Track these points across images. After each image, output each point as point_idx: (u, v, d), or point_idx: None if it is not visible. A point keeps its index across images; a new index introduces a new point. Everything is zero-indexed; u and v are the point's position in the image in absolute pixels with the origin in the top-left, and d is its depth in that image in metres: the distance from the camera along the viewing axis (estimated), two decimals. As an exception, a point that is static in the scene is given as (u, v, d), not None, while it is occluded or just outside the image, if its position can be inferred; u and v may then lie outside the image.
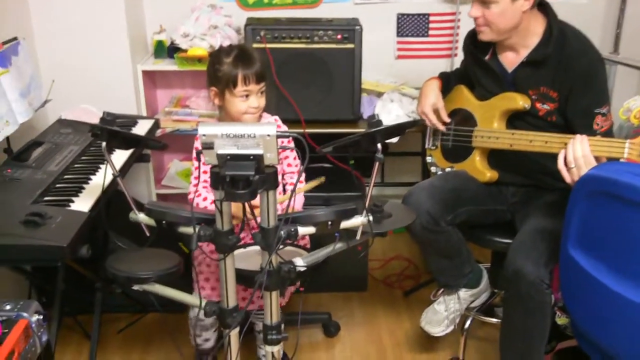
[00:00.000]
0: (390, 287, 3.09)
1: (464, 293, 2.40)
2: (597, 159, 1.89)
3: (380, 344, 2.68)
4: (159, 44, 3.15)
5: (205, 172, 2.10)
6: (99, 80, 2.95)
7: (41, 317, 1.79)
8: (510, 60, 2.21)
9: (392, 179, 3.54)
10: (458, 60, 3.33)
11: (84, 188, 2.07)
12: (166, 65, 3.08)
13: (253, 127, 1.49)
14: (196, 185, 2.08)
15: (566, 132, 2.09)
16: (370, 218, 1.75)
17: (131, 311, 2.82)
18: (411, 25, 3.32)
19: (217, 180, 1.56)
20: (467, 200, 2.24)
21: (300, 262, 1.76)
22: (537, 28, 2.13)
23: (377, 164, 1.68)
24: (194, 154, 2.11)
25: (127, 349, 2.64)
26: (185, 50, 3.04)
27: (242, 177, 1.50)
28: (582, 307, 1.83)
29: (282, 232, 1.63)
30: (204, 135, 1.50)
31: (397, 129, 1.70)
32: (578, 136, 1.92)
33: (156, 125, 2.85)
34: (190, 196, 2.09)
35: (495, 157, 2.32)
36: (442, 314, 2.39)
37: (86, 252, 1.85)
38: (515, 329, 2.05)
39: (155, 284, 1.84)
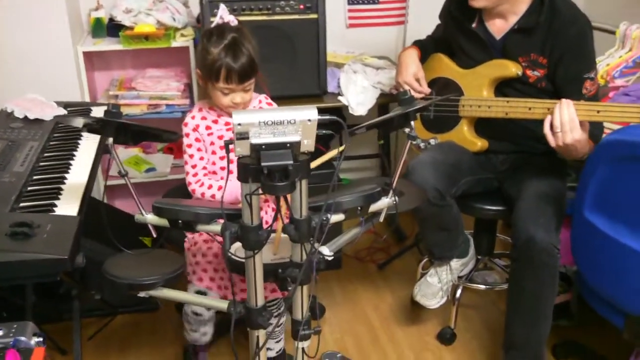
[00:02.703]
0: (363, 261, 3.04)
1: (455, 263, 2.39)
2: (580, 123, 1.91)
3: (367, 321, 2.63)
4: (97, 22, 2.88)
5: (202, 158, 1.97)
6: (36, 64, 2.67)
7: (41, 339, 1.61)
8: (498, 27, 2.18)
9: (346, 152, 3.46)
10: (410, 28, 3.31)
11: (62, 189, 1.85)
12: (108, 44, 2.82)
13: (293, 112, 1.36)
14: (196, 175, 1.92)
15: (555, 97, 2.10)
16: (396, 199, 1.68)
17: (98, 315, 2.60)
18: (361, -7, 3.23)
19: (248, 172, 1.41)
20: (465, 172, 2.22)
21: (326, 252, 1.66)
22: (526, -6, 2.11)
23: (409, 142, 1.60)
24: (188, 141, 1.95)
25: (102, 355, 2.44)
26: (130, 28, 2.80)
27: (280, 167, 1.38)
28: (599, 270, 1.86)
29: (314, 223, 1.53)
30: (239, 124, 1.35)
31: (428, 105, 1.62)
32: (564, 101, 1.93)
33: (111, 111, 2.60)
34: (192, 187, 1.93)
35: (482, 125, 2.30)
36: (436, 286, 2.38)
37: (82, 261, 1.66)
38: (526, 295, 2.05)
39: (163, 288, 1.69)
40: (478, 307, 2.71)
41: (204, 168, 1.96)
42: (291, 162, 1.37)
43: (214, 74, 1.86)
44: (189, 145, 1.96)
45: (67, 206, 1.76)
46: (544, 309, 2.06)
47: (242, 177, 1.43)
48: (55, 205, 1.75)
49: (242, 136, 1.38)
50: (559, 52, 2.06)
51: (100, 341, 2.50)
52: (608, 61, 2.58)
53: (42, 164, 2.01)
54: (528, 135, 2.22)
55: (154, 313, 2.65)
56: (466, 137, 2.30)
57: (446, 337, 2.48)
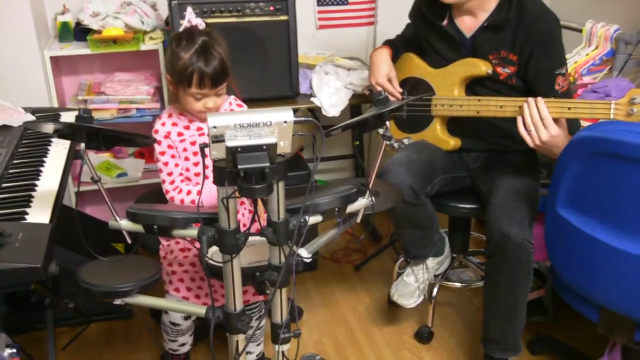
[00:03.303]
0: (339, 262, 3.04)
1: (431, 262, 2.41)
2: (555, 120, 1.93)
3: (345, 322, 2.63)
4: (64, 26, 2.83)
5: (177, 165, 1.94)
6: (2, 70, 2.61)
7: (14, 350, 1.57)
8: (468, 25, 2.20)
9: (320, 153, 3.47)
10: (379, 28, 3.32)
11: (32, 197, 1.81)
12: (76, 49, 2.78)
13: (269, 114, 1.35)
14: (173, 182, 1.89)
15: (526, 94, 2.13)
16: (373, 200, 1.68)
17: (71, 324, 2.55)
18: (331, -6, 3.24)
19: (223, 176, 1.40)
20: (439, 170, 2.23)
21: (305, 253, 1.65)
22: (495, -9, 2.13)
23: (384, 142, 1.60)
24: (160, 149, 1.91)
25: (77, 365, 2.40)
26: (98, 32, 2.76)
27: (256, 170, 1.36)
28: (572, 264, 1.88)
29: (292, 225, 1.52)
30: (214, 127, 1.33)
31: (402, 105, 1.62)
32: (531, 99, 1.95)
33: (81, 116, 2.56)
34: (170, 195, 1.89)
35: (454, 124, 2.32)
36: (412, 285, 2.39)
37: (55, 269, 1.63)
38: (501, 290, 2.07)
39: (139, 295, 1.67)
40: (454, 305, 2.73)
41: (180, 174, 1.93)
42: (268, 164, 1.36)
43: (185, 79, 1.82)
44: (162, 153, 1.92)
45: (39, 214, 1.72)
46: (519, 302, 2.08)
47: (218, 181, 1.42)
48: (26, 213, 1.71)
49: (218, 139, 1.36)
50: (529, 49, 2.09)
51: (74, 350, 2.45)
52: (576, 59, 2.62)
53: (11, 171, 1.96)
54: (500, 133, 2.25)
55: (129, 320, 2.61)
56: (439, 136, 2.31)
57: (424, 336, 2.49)
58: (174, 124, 1.94)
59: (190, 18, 1.87)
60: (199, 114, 1.91)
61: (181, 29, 1.86)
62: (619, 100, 1.81)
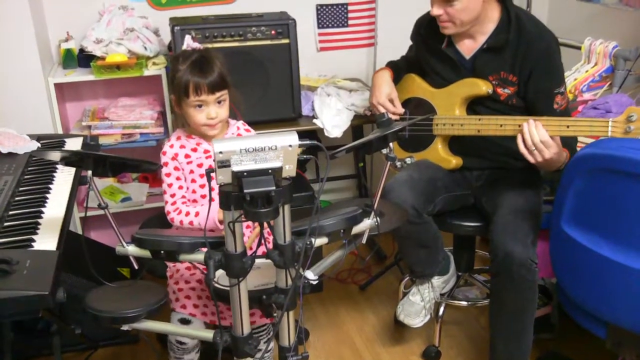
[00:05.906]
0: (344, 283, 3.04)
1: (436, 280, 2.41)
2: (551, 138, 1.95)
3: (351, 343, 2.63)
4: (68, 53, 2.86)
5: (180, 187, 1.96)
6: (7, 98, 2.65)
7: (22, 378, 1.57)
8: (467, 47, 2.22)
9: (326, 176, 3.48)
10: (380, 50, 3.35)
11: (39, 224, 1.82)
12: (80, 75, 2.81)
13: (274, 139, 1.37)
14: (174, 203, 1.91)
15: (526, 113, 2.15)
16: (378, 220, 1.69)
17: (78, 350, 2.55)
18: (331, 16, 3.27)
19: (230, 200, 1.41)
20: (441, 189, 2.24)
21: (311, 276, 1.66)
22: (493, 14, 2.15)
23: (388, 163, 1.62)
24: (166, 170, 1.94)
25: (85, 391, 2.40)
26: (101, 58, 2.79)
27: (262, 194, 1.38)
28: (579, 281, 1.88)
29: (298, 247, 1.53)
30: (220, 152, 1.35)
31: (406, 126, 1.64)
32: (531, 121, 1.96)
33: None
34: (170, 216, 1.92)
35: (456, 143, 2.33)
36: (419, 305, 2.38)
37: (63, 296, 1.63)
38: (507, 309, 2.08)
39: (146, 320, 1.67)
40: (461, 324, 2.72)
41: (183, 197, 1.95)
42: (273, 188, 1.37)
43: (183, 89, 1.87)
44: (168, 174, 1.96)
45: (46, 241, 1.73)
46: (525, 322, 2.08)
47: (225, 205, 1.43)
48: (33, 240, 1.72)
49: (224, 164, 1.38)
50: (528, 69, 2.11)
51: (82, 377, 2.45)
52: (575, 76, 2.64)
53: (17, 198, 1.97)
54: (501, 151, 2.26)
55: (136, 345, 2.61)
56: (441, 155, 2.33)
57: (431, 356, 2.48)
58: (182, 146, 1.98)
59: (189, 43, 1.92)
60: (205, 129, 1.93)
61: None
62: (617, 118, 1.83)
